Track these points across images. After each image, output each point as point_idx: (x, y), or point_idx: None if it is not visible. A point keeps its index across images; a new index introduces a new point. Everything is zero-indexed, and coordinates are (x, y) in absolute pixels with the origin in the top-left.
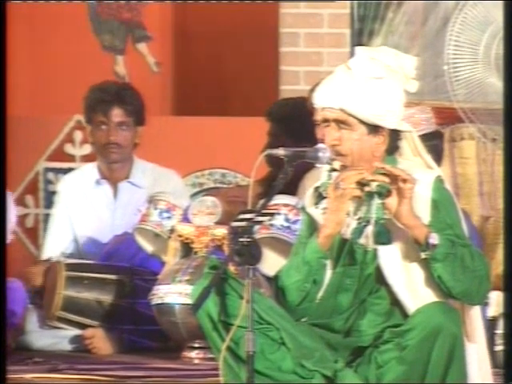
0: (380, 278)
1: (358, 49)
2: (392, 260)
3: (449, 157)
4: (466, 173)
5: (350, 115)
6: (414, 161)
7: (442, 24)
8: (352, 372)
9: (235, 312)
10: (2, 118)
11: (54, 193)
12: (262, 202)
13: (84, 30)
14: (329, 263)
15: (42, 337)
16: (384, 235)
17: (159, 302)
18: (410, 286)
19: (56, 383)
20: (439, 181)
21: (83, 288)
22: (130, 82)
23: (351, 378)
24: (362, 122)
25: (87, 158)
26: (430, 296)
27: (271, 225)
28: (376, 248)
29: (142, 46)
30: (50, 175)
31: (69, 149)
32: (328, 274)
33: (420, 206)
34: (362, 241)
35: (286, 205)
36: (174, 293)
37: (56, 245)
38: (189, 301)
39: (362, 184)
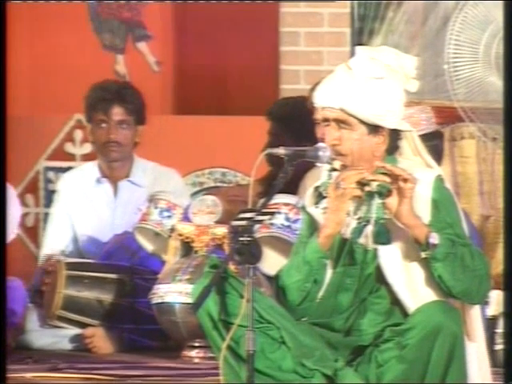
0: (380, 278)
1: (358, 48)
2: (392, 259)
3: (449, 156)
4: (466, 172)
5: (350, 115)
6: (414, 160)
7: (442, 23)
8: (352, 371)
9: (235, 311)
10: (2, 118)
11: (54, 192)
12: (262, 201)
13: (84, 29)
14: (329, 263)
15: (42, 336)
16: (383, 235)
17: (159, 301)
18: (410, 285)
19: (56, 382)
20: (439, 180)
21: (83, 287)
22: (131, 81)
23: (351, 377)
24: (362, 121)
25: (87, 157)
26: (430, 295)
27: (271, 224)
28: (376, 248)
29: (143, 45)
30: (51, 174)
31: (69, 148)
32: (328, 273)
33: (420, 205)
34: (361, 240)
35: (286, 204)
36: (174, 292)
37: (55, 243)
38: (189, 300)
39: (362, 184)
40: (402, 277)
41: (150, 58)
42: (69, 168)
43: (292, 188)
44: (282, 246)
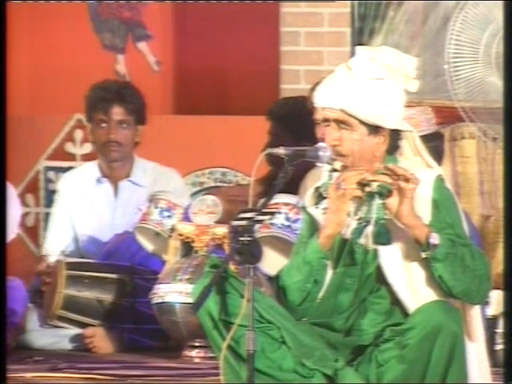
0: (380, 278)
1: (358, 49)
2: (392, 260)
3: (449, 156)
4: (467, 172)
5: (351, 115)
6: (414, 160)
7: (442, 23)
8: (352, 371)
9: (236, 311)
10: (3, 118)
11: (54, 192)
12: (262, 201)
13: (84, 29)
14: (329, 263)
15: (42, 336)
16: (383, 235)
17: (160, 301)
18: (411, 285)
19: (56, 382)
20: (440, 180)
21: (84, 287)
22: (131, 80)
23: (351, 376)
24: (362, 122)
25: (88, 157)
26: (430, 295)
27: (272, 224)
28: (376, 248)
29: (143, 45)
30: (51, 174)
31: (69, 148)
32: (328, 273)
33: (420, 205)
34: (361, 241)
35: (286, 204)
36: (174, 292)
37: (56, 243)
38: (189, 300)
39: (362, 184)
40: (402, 277)
41: (150, 58)
42: (69, 168)
43: (292, 188)
44: (282, 245)
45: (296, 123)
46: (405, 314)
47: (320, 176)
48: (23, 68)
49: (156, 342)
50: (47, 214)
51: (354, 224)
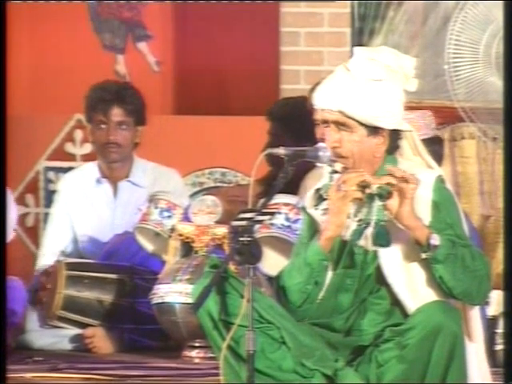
0: (380, 279)
1: (356, 49)
2: (392, 260)
3: (449, 156)
4: (467, 172)
5: (349, 117)
6: (414, 161)
7: (442, 23)
8: (352, 371)
9: (236, 311)
10: (3, 118)
11: (54, 192)
12: (262, 201)
13: (84, 29)
14: (329, 264)
15: (42, 336)
16: (383, 237)
17: (160, 301)
18: (411, 286)
19: (56, 382)
20: (440, 181)
21: (83, 287)
22: (131, 81)
23: (351, 377)
24: (361, 123)
25: (88, 157)
26: (430, 296)
27: (271, 224)
28: (376, 249)
29: (143, 45)
30: (51, 174)
31: (69, 148)
32: (329, 274)
33: (421, 206)
34: (361, 242)
35: (286, 204)
36: (174, 292)
37: (55, 244)
38: (189, 300)
39: (362, 186)
40: (402, 278)
41: (150, 58)
42: (69, 168)
43: (292, 188)
44: (282, 246)
45: (296, 123)
46: (405, 314)
47: (320, 176)
48: (23, 68)
49: (156, 342)
50: (47, 215)
51: (353, 226)
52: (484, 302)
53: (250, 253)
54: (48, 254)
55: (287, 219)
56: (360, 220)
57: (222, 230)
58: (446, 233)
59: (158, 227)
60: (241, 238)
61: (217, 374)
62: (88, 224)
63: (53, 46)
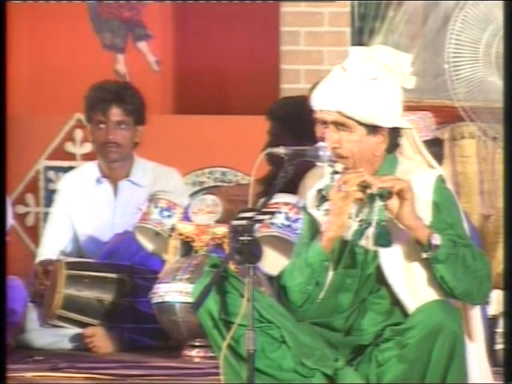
0: (380, 278)
1: (351, 49)
2: (392, 260)
3: (449, 155)
4: (467, 171)
5: (348, 117)
6: (414, 159)
7: (442, 23)
8: (352, 370)
9: (236, 310)
10: (3, 117)
11: (54, 191)
12: (262, 200)
13: (84, 29)
14: (330, 265)
15: (42, 335)
16: (384, 237)
17: (160, 300)
18: (411, 286)
19: (56, 382)
20: (440, 180)
21: (84, 286)
22: (131, 80)
23: (352, 376)
24: (360, 123)
25: (88, 157)
26: (430, 296)
27: (272, 223)
28: (376, 249)
29: (143, 45)
30: (51, 174)
31: (69, 147)
32: (329, 274)
33: (421, 206)
34: (362, 242)
35: (286, 203)
36: (174, 291)
37: (55, 243)
38: (189, 299)
39: (363, 186)
40: (402, 277)
41: (150, 58)
42: (69, 167)
43: (292, 187)
44: (282, 245)
45: (296, 123)
46: (405, 314)
47: (320, 176)
48: (23, 68)
49: (156, 342)
50: (47, 214)
51: (355, 226)
52: (484, 302)
53: (250, 252)
54: (48, 254)
55: (287, 218)
56: (361, 220)
57: (222, 230)
58: (446, 233)
59: (158, 226)
60: (241, 238)
61: (217, 374)
62: (88, 223)
63: (53, 45)
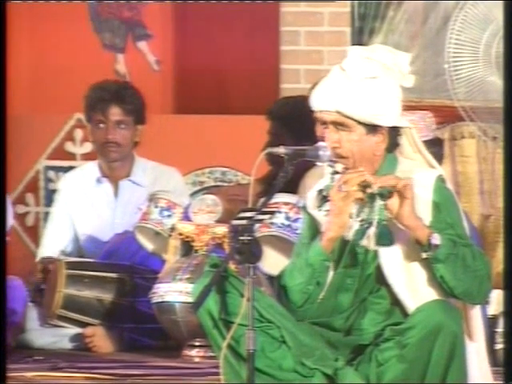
0: (380, 278)
1: (350, 49)
2: (392, 260)
3: (449, 155)
4: (467, 171)
5: (347, 117)
6: (414, 159)
7: (442, 23)
8: (352, 370)
9: (236, 310)
10: (3, 117)
11: (54, 191)
12: (262, 200)
13: (84, 29)
14: (331, 264)
15: (42, 335)
16: (386, 237)
17: (160, 300)
18: (411, 286)
19: (56, 382)
20: (440, 180)
21: (84, 286)
22: (131, 80)
23: (352, 376)
24: (359, 122)
25: (88, 157)
26: (430, 296)
27: (272, 223)
28: (377, 249)
29: (143, 45)
30: (51, 173)
31: (69, 147)
32: (329, 274)
33: (421, 206)
34: (363, 242)
35: (286, 203)
36: (174, 291)
37: (55, 243)
38: (189, 299)
39: (363, 186)
40: (402, 277)
41: (150, 57)
42: (69, 167)
43: (292, 187)
44: (282, 245)
45: (296, 123)
46: (405, 314)
47: (320, 175)
48: (23, 68)
49: (156, 342)
50: (47, 214)
51: (356, 226)
52: (484, 302)
53: (250, 252)
54: (48, 254)
55: (287, 218)
56: (362, 220)
57: (222, 229)
58: (446, 232)
59: (158, 226)
60: (241, 237)
61: (217, 374)
62: (88, 223)
63: (53, 45)
